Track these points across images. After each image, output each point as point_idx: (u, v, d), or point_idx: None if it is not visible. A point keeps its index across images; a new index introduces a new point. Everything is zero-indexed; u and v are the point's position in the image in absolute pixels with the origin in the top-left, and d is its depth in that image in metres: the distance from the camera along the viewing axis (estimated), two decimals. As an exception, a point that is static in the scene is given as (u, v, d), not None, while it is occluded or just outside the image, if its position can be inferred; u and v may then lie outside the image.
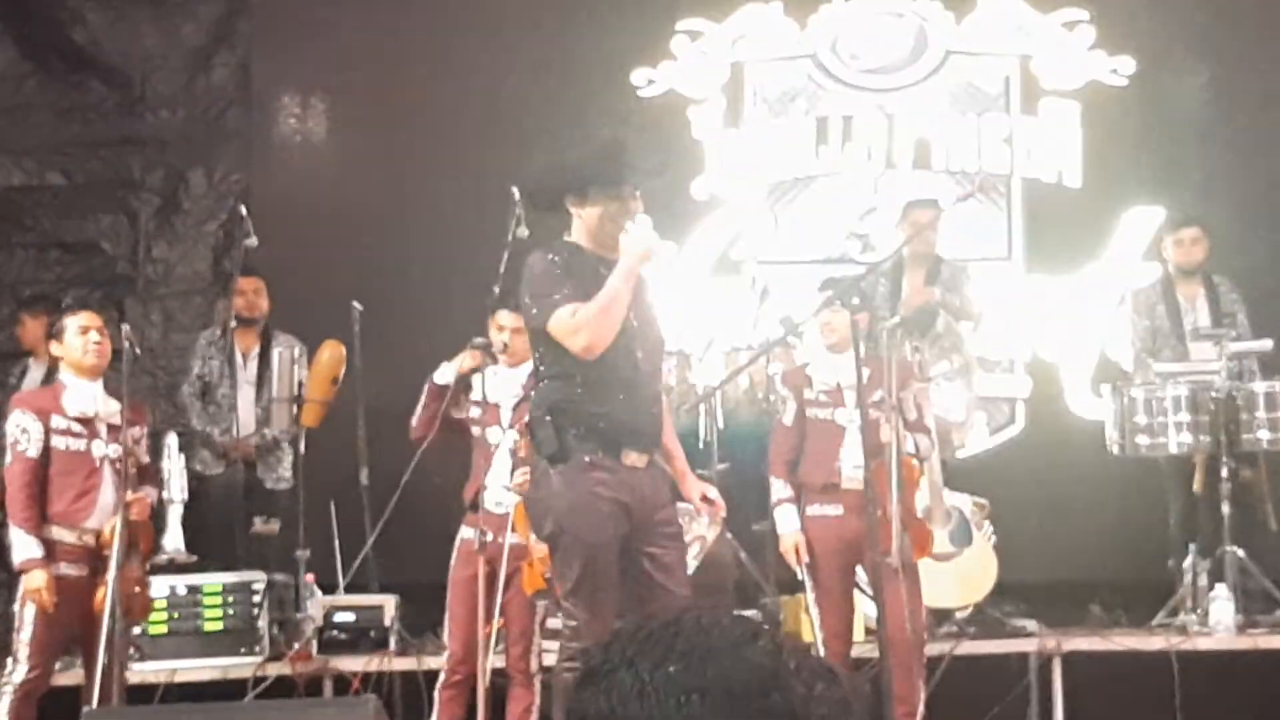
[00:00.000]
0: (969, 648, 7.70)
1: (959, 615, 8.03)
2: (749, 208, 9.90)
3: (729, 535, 8.10)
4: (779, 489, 7.14)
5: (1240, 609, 7.82)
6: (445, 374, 6.87)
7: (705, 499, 5.92)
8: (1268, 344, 8.47)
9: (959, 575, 7.73)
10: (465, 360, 6.86)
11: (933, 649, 7.14)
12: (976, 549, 7.96)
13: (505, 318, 6.93)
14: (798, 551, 6.99)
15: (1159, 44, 9.81)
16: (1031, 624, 8.04)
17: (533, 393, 5.89)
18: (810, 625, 7.23)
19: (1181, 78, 9.84)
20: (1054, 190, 9.84)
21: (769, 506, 8.37)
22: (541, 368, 5.75)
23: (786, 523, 7.05)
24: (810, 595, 7.12)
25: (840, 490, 6.93)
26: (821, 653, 6.80)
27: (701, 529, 6.36)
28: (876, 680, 6.42)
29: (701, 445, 8.45)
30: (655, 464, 5.74)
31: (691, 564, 6.11)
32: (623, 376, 5.61)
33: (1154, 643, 7.70)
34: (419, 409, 6.96)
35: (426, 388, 6.93)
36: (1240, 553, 7.98)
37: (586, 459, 5.55)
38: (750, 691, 1.98)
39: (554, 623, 7.16)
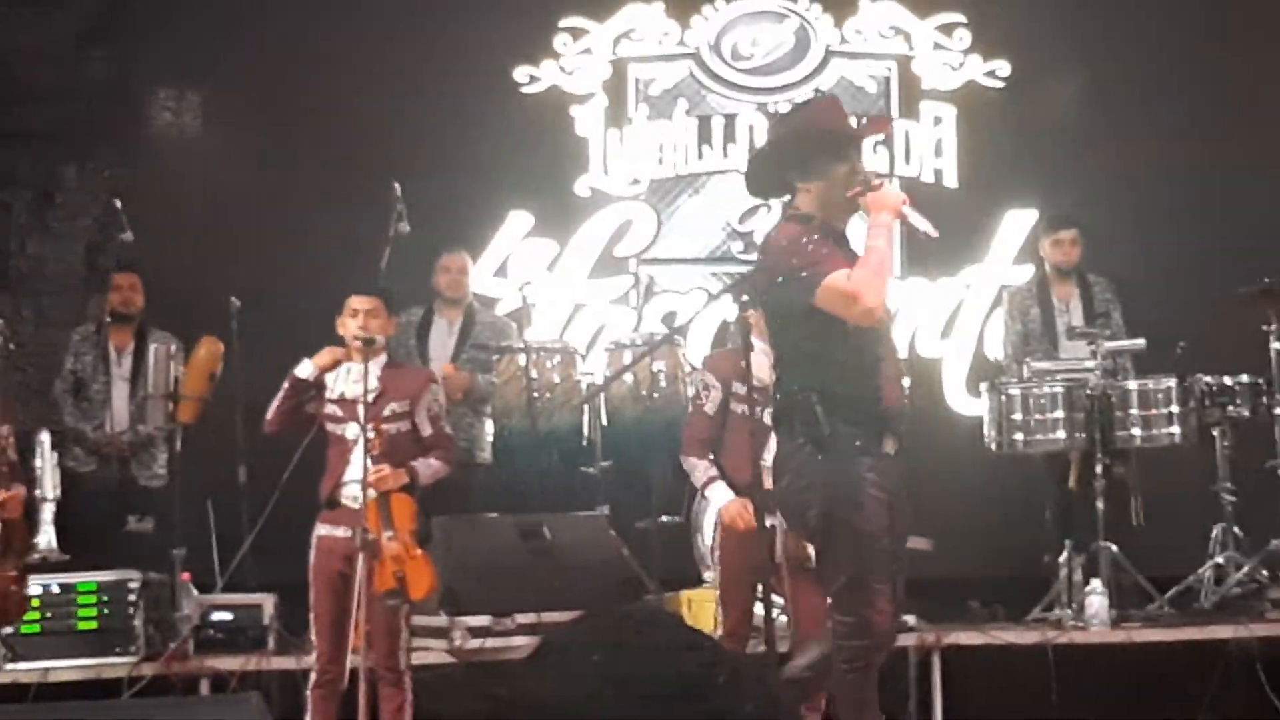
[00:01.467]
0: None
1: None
2: (633, 206, 9.91)
3: (613, 533, 8.10)
4: (704, 468, 6.90)
5: (1114, 603, 7.92)
6: (305, 368, 6.77)
7: None
8: (1140, 343, 8.60)
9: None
10: (325, 356, 6.77)
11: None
12: (857, 545, 8.00)
13: (358, 301, 6.81)
14: (741, 517, 6.72)
15: (1035, 47, 9.94)
16: (911, 619, 8.06)
17: (782, 375, 5.48)
18: (710, 620, 7.23)
19: (1057, 81, 9.98)
20: (932, 191, 9.92)
21: (654, 505, 8.43)
22: (795, 348, 5.39)
23: (722, 495, 6.80)
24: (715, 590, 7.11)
25: (760, 490, 6.71)
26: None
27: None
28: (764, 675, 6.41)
29: (585, 442, 8.46)
30: (900, 452, 5.42)
31: None
32: (881, 354, 5.34)
33: (1030, 637, 7.78)
34: (275, 401, 6.83)
35: (287, 381, 6.81)
36: (1114, 548, 8.08)
37: (857, 443, 5.24)
38: (667, 695, 1.96)
39: (420, 620, 7.10)
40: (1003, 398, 8.38)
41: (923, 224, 5.31)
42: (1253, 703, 7.59)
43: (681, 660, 1.99)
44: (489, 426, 8.76)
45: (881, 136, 9.97)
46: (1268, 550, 8.30)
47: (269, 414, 6.84)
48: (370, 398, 6.64)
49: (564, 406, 8.39)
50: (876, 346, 5.31)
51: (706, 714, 1.96)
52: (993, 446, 8.48)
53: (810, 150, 5.43)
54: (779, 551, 6.46)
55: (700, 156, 9.97)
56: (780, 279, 5.30)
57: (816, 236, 5.26)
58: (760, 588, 6.93)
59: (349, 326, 6.77)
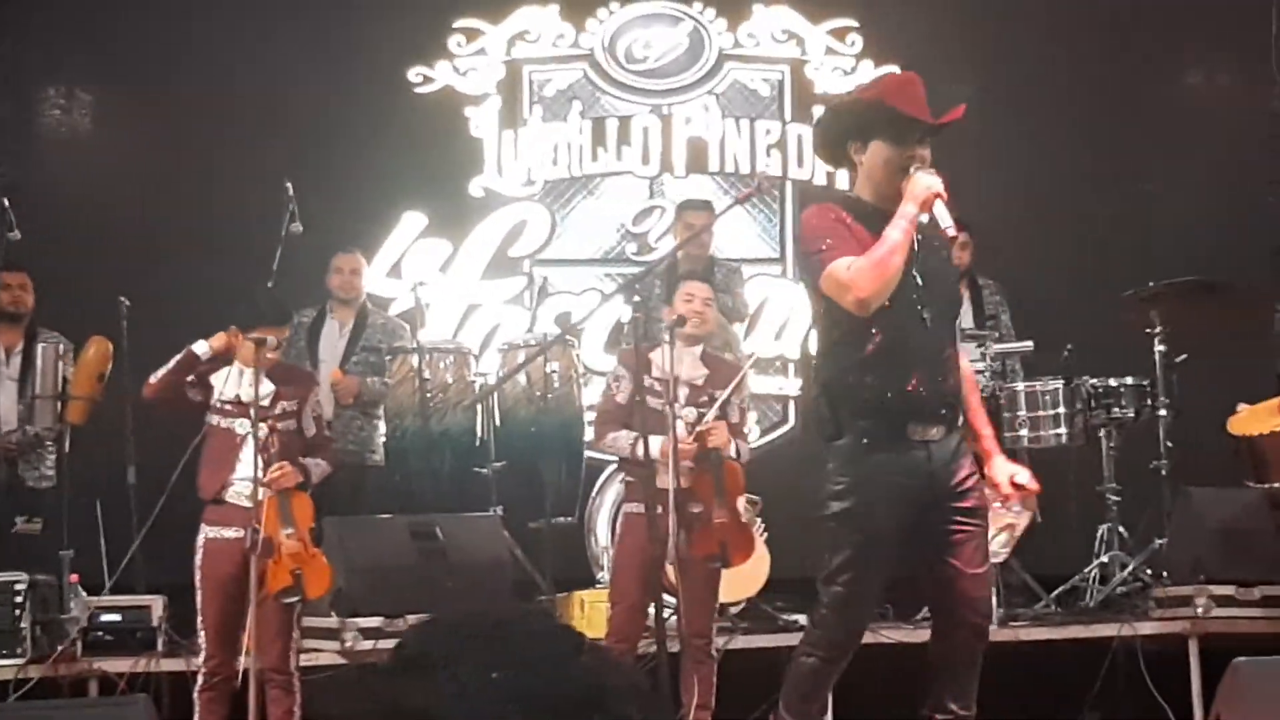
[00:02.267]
0: (742, 642, 7.78)
1: (732, 610, 8.11)
2: (527, 207, 9.91)
3: (506, 533, 8.10)
4: (625, 434, 6.77)
5: (1002, 602, 8.00)
6: (202, 346, 6.69)
7: (1014, 483, 5.26)
8: (1028, 345, 8.72)
9: (732, 571, 7.77)
10: (220, 339, 6.70)
11: (706, 643, 7.17)
12: (749, 545, 8.05)
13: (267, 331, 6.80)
14: (685, 444, 6.59)
15: (926, 52, 9.98)
16: (802, 618, 8.11)
17: (816, 365, 5.41)
18: (604, 621, 7.25)
19: (947, 86, 10.04)
20: (825, 194, 9.97)
21: (547, 505, 8.44)
22: (823, 335, 5.25)
23: (659, 443, 6.53)
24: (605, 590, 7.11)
25: (659, 491, 6.55)
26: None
27: (1011, 516, 5.63)
28: (656, 674, 6.41)
29: (478, 443, 8.45)
30: (950, 439, 5.17)
31: (1003, 553, 5.60)
32: (908, 342, 5.08)
33: (920, 636, 7.82)
34: (164, 370, 6.71)
35: (183, 354, 6.70)
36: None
37: (865, 439, 5.08)
38: (573, 707, 1.95)
39: (311, 621, 7.06)
40: (893, 399, 8.44)
41: (946, 220, 5.06)
42: (1137, 700, 7.70)
43: (566, 667, 1.99)
44: (380, 428, 8.74)
45: (775, 139, 10.07)
46: (1151, 549, 8.43)
47: (153, 379, 6.68)
48: (270, 397, 6.65)
49: (457, 407, 8.38)
50: (905, 332, 5.08)
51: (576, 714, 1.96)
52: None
53: (867, 124, 5.19)
54: (673, 549, 6.46)
55: (595, 158, 10.00)
56: (802, 258, 5.26)
57: (844, 217, 5.10)
58: (657, 584, 7.07)
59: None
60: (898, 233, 4.97)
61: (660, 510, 6.41)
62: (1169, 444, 8.55)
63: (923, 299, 5.11)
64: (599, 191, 10.07)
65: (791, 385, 9.93)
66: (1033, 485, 5.26)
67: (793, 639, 7.88)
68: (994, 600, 7.67)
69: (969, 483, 5.17)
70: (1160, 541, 8.38)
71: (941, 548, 5.14)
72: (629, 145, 9.99)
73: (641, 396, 6.81)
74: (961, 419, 5.27)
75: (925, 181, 5.02)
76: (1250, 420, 7.59)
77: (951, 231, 5.12)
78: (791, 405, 9.93)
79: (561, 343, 8.40)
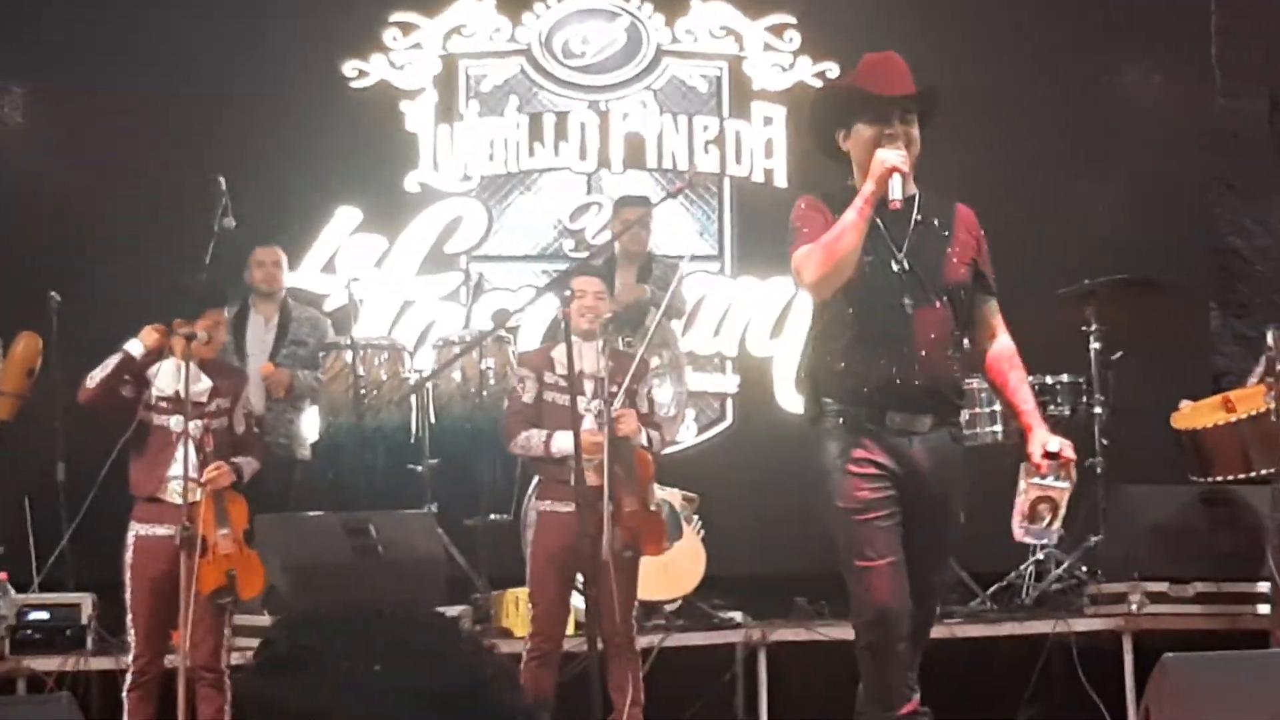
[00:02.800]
0: (677, 639, 7.76)
1: (668, 608, 8.09)
2: (463, 202, 9.85)
3: (440, 531, 8.05)
4: (536, 433, 6.79)
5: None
6: (136, 346, 6.63)
7: (1047, 452, 5.04)
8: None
9: (668, 568, 7.77)
10: (151, 335, 6.63)
11: (641, 641, 7.15)
12: (686, 542, 8.04)
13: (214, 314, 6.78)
14: (592, 436, 6.54)
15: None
16: (738, 616, 8.13)
17: (802, 351, 5.36)
18: (524, 620, 7.22)
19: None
20: (763, 190, 10.00)
21: (482, 503, 8.40)
22: (810, 322, 5.19)
23: (568, 439, 6.44)
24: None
25: (570, 486, 6.49)
26: (530, 647, 6.78)
27: (1045, 489, 5.17)
28: (587, 673, 6.38)
29: (413, 440, 8.40)
30: (942, 432, 5.07)
31: (1051, 532, 5.26)
32: (887, 329, 4.96)
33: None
34: (102, 373, 6.62)
35: (118, 355, 6.64)
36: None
37: (842, 423, 5.00)
38: (456, 696, 1.93)
39: (242, 619, 7.00)
40: (830, 396, 8.43)
41: (895, 193, 4.91)
42: (1071, 696, 7.73)
43: (456, 657, 1.96)
44: (306, 422, 8.67)
45: (713, 135, 10.05)
46: (1086, 547, 8.46)
47: (90, 384, 6.61)
48: (206, 394, 6.61)
49: (391, 404, 8.32)
50: (880, 317, 4.98)
51: (487, 710, 1.94)
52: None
53: (846, 110, 5.13)
54: (604, 545, 6.43)
55: (532, 154, 9.95)
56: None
57: (822, 206, 5.03)
58: (579, 583, 7.04)
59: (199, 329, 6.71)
60: (851, 213, 4.90)
61: (581, 506, 6.29)
62: (1104, 442, 8.57)
63: (906, 284, 5.00)
64: (536, 187, 10.02)
65: (729, 382, 9.90)
66: (1068, 453, 5.03)
67: (729, 637, 7.93)
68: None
69: (950, 484, 5.11)
70: (1095, 539, 8.41)
71: (911, 544, 5.04)
72: (566, 141, 9.94)
73: (546, 394, 6.84)
74: (959, 405, 5.21)
75: (881, 156, 4.94)
76: (1194, 415, 7.61)
77: (897, 205, 4.92)
78: (729, 402, 9.90)
79: (497, 339, 8.36)
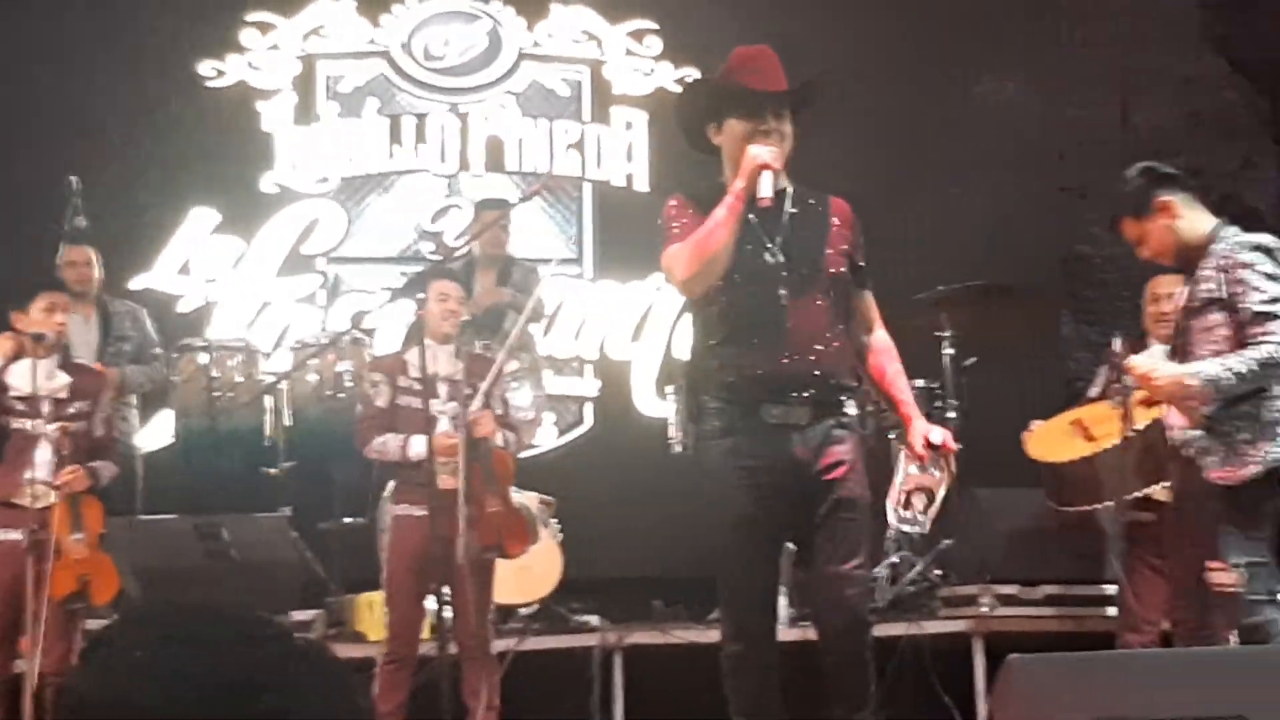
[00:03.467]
0: (534, 643, 7.74)
1: (524, 611, 8.07)
2: (321, 204, 9.78)
3: (295, 534, 7.99)
4: (392, 437, 6.75)
5: (793, 603, 8.05)
6: None
7: (929, 442, 5.03)
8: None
9: (525, 572, 7.75)
10: (5, 342, 6.56)
11: (497, 645, 7.13)
12: (543, 546, 8.02)
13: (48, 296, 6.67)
14: (449, 438, 6.52)
15: (724, 55, 10.01)
16: (595, 619, 8.13)
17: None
18: (378, 624, 7.18)
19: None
20: (624, 195, 10.02)
21: (337, 506, 8.33)
22: (690, 324, 5.12)
23: (423, 442, 6.46)
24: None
25: (426, 487, 6.39)
26: (386, 652, 6.75)
27: (924, 477, 5.10)
28: (442, 679, 6.34)
29: (268, 442, 8.32)
30: (821, 425, 4.93)
31: (924, 520, 5.11)
32: (762, 321, 4.88)
33: (712, 636, 7.83)
34: None
35: None
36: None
37: (717, 422, 4.95)
38: (243, 688, 1.90)
39: (94, 624, 6.90)
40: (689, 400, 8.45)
41: (764, 190, 4.87)
42: (922, 699, 7.79)
43: (241, 654, 1.94)
44: (137, 419, 8.55)
45: (574, 139, 10.05)
46: (939, 549, 8.54)
47: None
48: (64, 394, 6.52)
49: (246, 406, 8.24)
50: (756, 310, 4.90)
51: (270, 707, 1.92)
52: (678, 448, 8.55)
53: (718, 104, 5.07)
54: (460, 548, 6.41)
55: (391, 156, 9.90)
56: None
57: (688, 205, 5.00)
58: (433, 587, 6.97)
59: (33, 321, 6.60)
60: (722, 210, 4.86)
61: (436, 509, 6.24)
62: (958, 446, 8.64)
63: (781, 277, 4.93)
64: (395, 189, 9.97)
65: (589, 386, 9.91)
66: (950, 444, 5.04)
67: (586, 640, 7.92)
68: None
69: (839, 472, 4.95)
70: (948, 542, 8.49)
71: (810, 542, 4.99)
72: (426, 143, 9.91)
73: (401, 398, 6.80)
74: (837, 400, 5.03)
75: (754, 153, 4.89)
76: (1048, 444, 7.46)
77: (766, 203, 4.87)
78: (589, 406, 9.91)
79: (354, 341, 8.31)
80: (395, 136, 9.90)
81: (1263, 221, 10.50)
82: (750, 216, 4.94)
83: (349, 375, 8.24)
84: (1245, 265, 5.41)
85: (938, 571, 8.56)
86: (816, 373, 4.91)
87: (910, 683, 7.86)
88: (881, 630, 7.92)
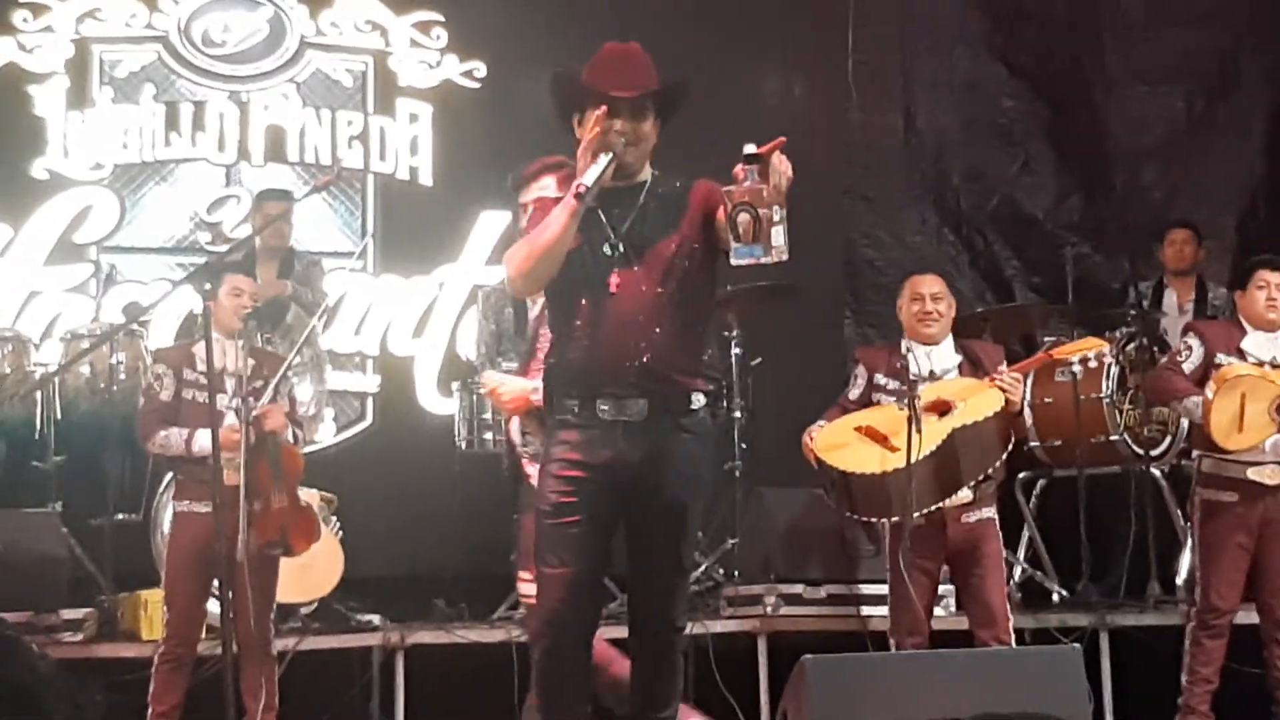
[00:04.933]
0: (313, 643, 7.60)
1: (304, 610, 7.93)
2: (94, 191, 9.49)
3: (65, 530, 7.76)
4: (176, 431, 6.62)
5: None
6: None
7: (745, 156, 4.71)
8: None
9: (305, 570, 7.59)
10: None
11: (277, 644, 6.99)
12: (323, 544, 7.83)
13: None
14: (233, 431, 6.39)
15: (511, 50, 9.98)
16: (376, 618, 8.02)
17: None
18: (152, 623, 7.01)
19: (534, 83, 10.01)
20: (408, 189, 9.91)
21: (110, 502, 8.10)
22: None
23: (206, 438, 6.25)
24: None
25: (209, 484, 6.17)
26: (163, 651, 6.58)
27: (741, 189, 4.63)
28: (220, 677, 6.18)
29: (38, 435, 8.06)
30: (658, 421, 4.77)
31: (768, 248, 4.71)
32: (593, 314, 4.78)
33: (495, 635, 7.80)
34: None
35: None
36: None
37: (558, 417, 4.85)
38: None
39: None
40: (474, 397, 8.39)
41: (589, 179, 4.72)
42: (707, 698, 7.79)
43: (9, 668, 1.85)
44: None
45: (358, 130, 9.90)
46: (724, 549, 8.57)
47: None
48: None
49: (15, 398, 7.97)
50: (590, 304, 4.80)
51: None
52: (463, 445, 8.48)
53: (578, 98, 4.94)
54: (240, 545, 6.28)
55: (168, 143, 9.64)
56: None
57: (543, 204, 4.95)
58: (216, 585, 6.82)
59: None
60: (558, 208, 4.77)
61: (219, 505, 6.06)
62: (743, 445, 8.70)
63: (618, 268, 4.82)
64: (172, 178, 9.70)
65: (370, 382, 9.76)
66: (781, 164, 4.65)
67: (367, 640, 7.80)
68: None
69: (665, 474, 4.82)
70: (733, 541, 8.52)
71: (633, 544, 4.91)
72: (204, 131, 9.66)
73: (185, 391, 6.68)
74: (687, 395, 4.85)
75: (592, 143, 4.80)
76: (846, 451, 7.27)
77: (583, 189, 4.71)
78: (370, 402, 9.77)
79: (129, 333, 8.09)
80: (173, 124, 9.64)
81: (1039, 225, 10.81)
82: (598, 211, 4.85)
83: (123, 368, 8.01)
84: None
85: (721, 571, 8.59)
86: (647, 365, 4.78)
87: (696, 682, 7.87)
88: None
